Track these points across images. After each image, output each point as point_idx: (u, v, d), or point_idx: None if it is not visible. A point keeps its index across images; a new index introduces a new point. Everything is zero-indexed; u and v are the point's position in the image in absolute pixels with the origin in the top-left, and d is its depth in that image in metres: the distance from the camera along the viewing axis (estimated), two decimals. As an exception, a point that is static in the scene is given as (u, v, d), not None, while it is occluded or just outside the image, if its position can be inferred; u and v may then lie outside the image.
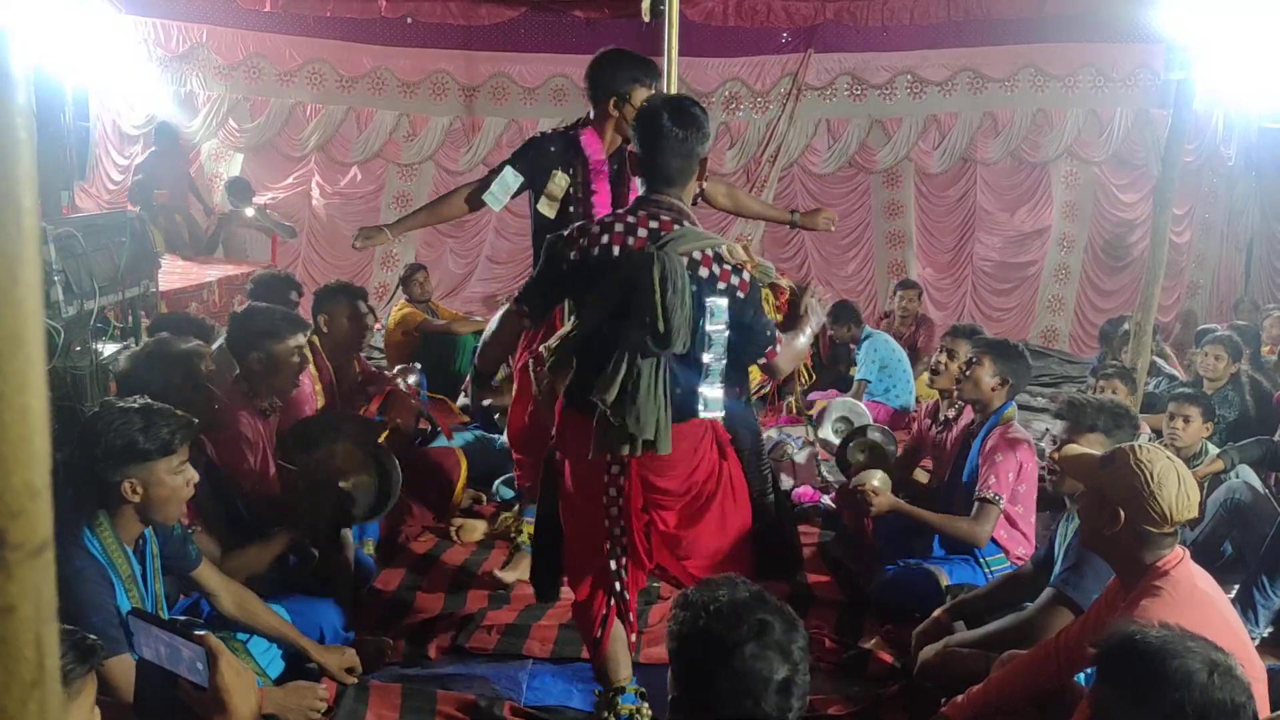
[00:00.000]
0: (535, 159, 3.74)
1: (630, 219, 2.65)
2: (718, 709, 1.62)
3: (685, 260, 2.55)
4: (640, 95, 3.57)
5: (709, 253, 2.60)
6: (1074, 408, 3.23)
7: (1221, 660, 1.69)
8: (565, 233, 2.73)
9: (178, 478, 2.55)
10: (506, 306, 2.89)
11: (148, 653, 2.06)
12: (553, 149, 3.72)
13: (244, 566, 3.16)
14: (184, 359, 3.30)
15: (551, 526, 2.99)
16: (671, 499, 2.78)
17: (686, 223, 2.65)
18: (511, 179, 3.76)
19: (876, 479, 3.93)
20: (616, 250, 2.62)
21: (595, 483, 2.74)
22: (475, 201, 3.91)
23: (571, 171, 3.70)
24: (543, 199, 3.72)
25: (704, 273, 2.58)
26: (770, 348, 2.75)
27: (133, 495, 2.49)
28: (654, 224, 2.63)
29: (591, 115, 3.75)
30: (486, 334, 3.03)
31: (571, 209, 3.69)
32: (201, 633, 2.02)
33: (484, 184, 3.85)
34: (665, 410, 2.57)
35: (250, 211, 8.59)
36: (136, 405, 2.55)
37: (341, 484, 3.57)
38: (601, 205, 3.71)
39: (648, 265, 2.51)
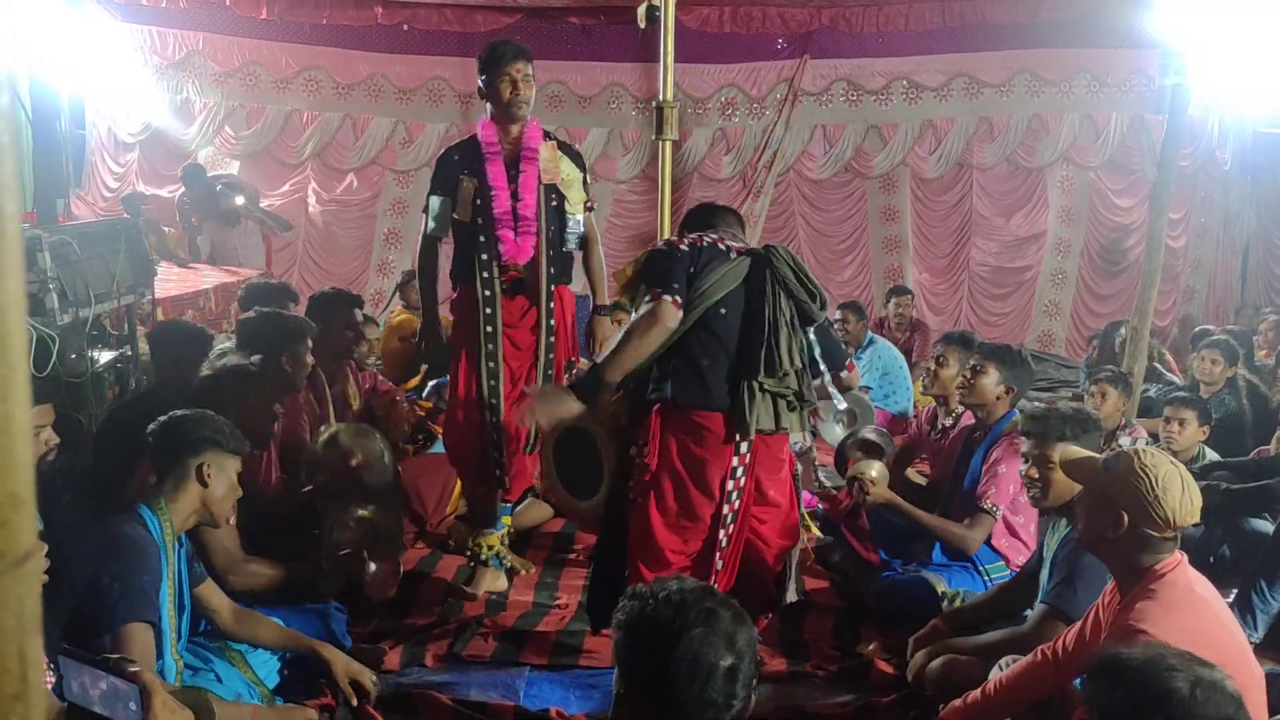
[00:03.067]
0: (446, 174, 3.79)
1: (714, 235, 3.01)
2: (664, 696, 1.63)
3: None
4: (501, 79, 3.62)
5: None
6: (1038, 420, 3.17)
7: (1206, 676, 1.67)
8: (666, 239, 3.07)
9: (235, 479, 2.81)
10: (650, 307, 2.82)
11: (77, 692, 2.03)
12: (456, 157, 3.80)
13: (257, 576, 3.20)
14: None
15: (615, 554, 3.08)
16: (773, 513, 3.08)
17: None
18: (437, 204, 3.81)
19: (875, 469, 3.87)
20: (723, 247, 2.94)
21: (714, 483, 2.94)
22: (438, 248, 3.94)
23: (475, 169, 3.74)
24: (459, 207, 3.75)
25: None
26: (849, 360, 3.18)
27: (206, 476, 2.71)
28: (736, 242, 3.02)
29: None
30: (636, 341, 2.84)
31: (479, 202, 3.72)
32: (135, 669, 2.01)
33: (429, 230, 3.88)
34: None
35: (240, 199, 8.50)
36: (214, 414, 2.87)
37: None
38: (499, 191, 3.70)
39: (773, 254, 2.89)
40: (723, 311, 2.87)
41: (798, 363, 2.90)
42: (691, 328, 2.86)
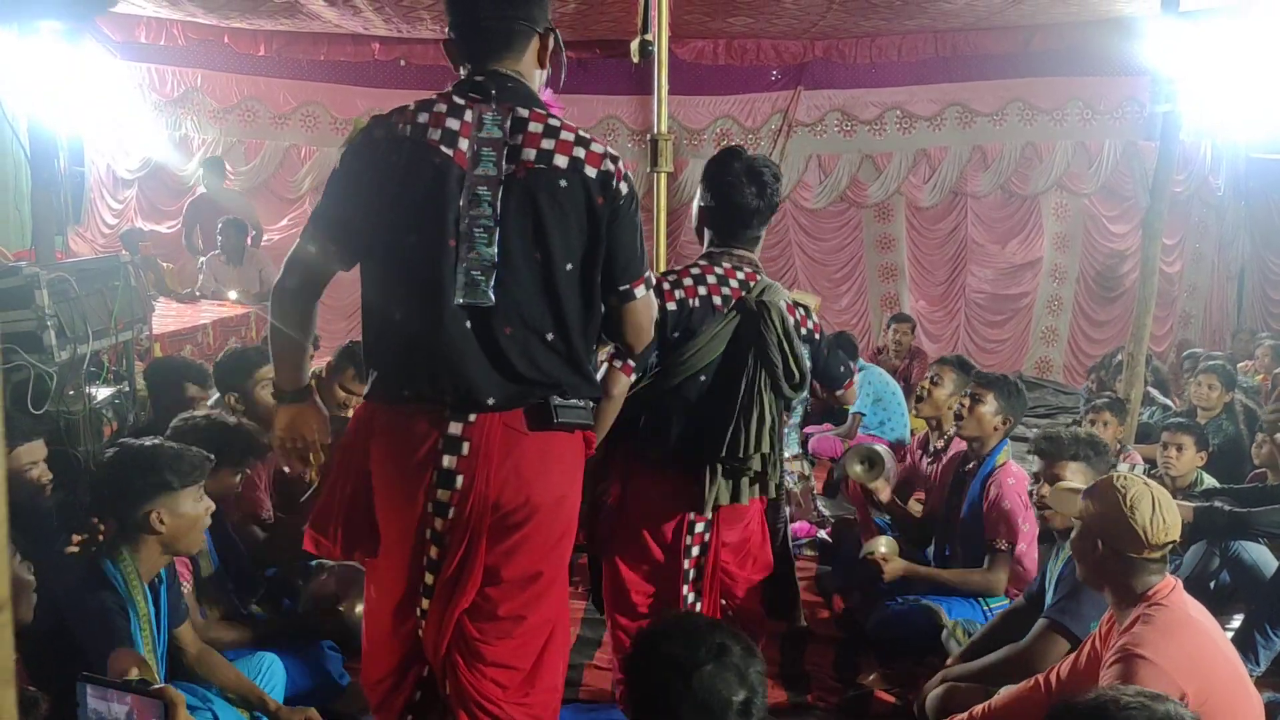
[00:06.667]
0: None
1: (718, 270, 2.76)
2: None
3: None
4: None
5: (789, 301, 2.76)
6: (1052, 441, 3.24)
7: (1162, 711, 1.66)
8: (661, 275, 2.80)
9: (199, 505, 2.67)
10: (604, 372, 2.61)
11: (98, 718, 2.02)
12: None
13: (229, 641, 3.12)
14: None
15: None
16: (730, 551, 2.92)
17: (762, 274, 2.80)
18: None
19: (883, 545, 3.86)
20: (718, 300, 2.72)
21: (671, 538, 2.83)
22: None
23: None
24: None
25: (790, 320, 2.73)
26: (849, 379, 3.00)
27: (159, 525, 2.57)
28: (740, 275, 2.76)
29: None
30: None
31: None
32: (158, 686, 2.01)
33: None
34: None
35: (234, 190, 8.38)
36: (156, 443, 2.69)
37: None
38: None
39: (764, 315, 2.66)
40: (703, 379, 2.74)
41: (765, 446, 2.73)
42: (670, 391, 2.74)
